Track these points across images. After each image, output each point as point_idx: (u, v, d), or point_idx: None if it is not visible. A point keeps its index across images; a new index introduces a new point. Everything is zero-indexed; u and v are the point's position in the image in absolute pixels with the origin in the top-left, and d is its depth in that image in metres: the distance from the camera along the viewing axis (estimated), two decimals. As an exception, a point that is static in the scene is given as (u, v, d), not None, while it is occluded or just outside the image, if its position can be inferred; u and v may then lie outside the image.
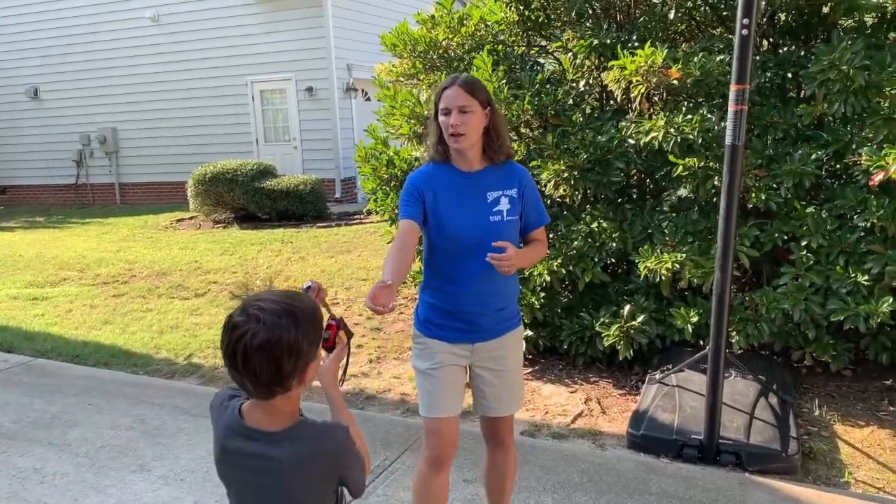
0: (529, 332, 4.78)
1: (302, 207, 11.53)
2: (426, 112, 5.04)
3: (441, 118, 2.43)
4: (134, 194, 15.99)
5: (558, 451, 3.68)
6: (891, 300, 3.79)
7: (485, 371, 2.57)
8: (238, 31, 14.02)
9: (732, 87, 3.19)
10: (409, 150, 5.40)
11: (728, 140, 3.24)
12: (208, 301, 6.89)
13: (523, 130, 5.00)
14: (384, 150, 5.42)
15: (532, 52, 5.62)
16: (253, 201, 11.59)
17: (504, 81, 4.75)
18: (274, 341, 1.39)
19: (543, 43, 5.60)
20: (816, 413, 4.01)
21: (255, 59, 13.97)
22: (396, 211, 5.30)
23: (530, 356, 4.87)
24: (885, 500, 3.20)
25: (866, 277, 3.88)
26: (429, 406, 2.49)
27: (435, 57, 5.29)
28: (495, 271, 2.29)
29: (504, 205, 2.47)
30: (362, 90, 13.81)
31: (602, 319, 4.42)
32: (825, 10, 4.62)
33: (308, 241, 9.73)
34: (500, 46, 5.34)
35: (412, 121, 5.12)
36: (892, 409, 4.06)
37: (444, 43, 5.30)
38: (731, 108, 3.21)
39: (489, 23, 5.32)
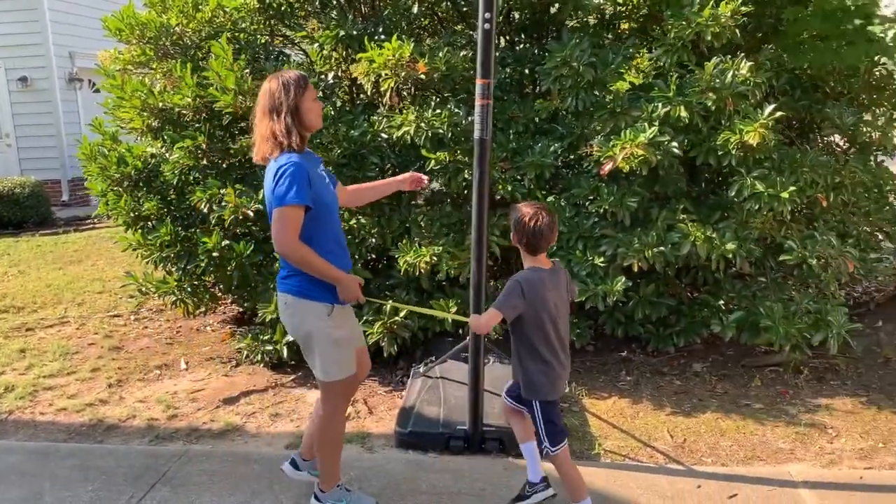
0: (290, 337, 4.54)
1: (20, 213, 10.11)
2: (160, 104, 4.57)
3: (314, 104, 2.75)
4: None
5: (326, 460, 3.51)
6: (623, 279, 4.13)
7: None
8: (-75, 8, 11.86)
9: (478, 82, 3.22)
10: (143, 147, 4.88)
11: (476, 134, 3.27)
12: None
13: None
14: (114, 146, 4.85)
15: (276, 41, 5.34)
16: (-43, 208, 9.91)
17: (248, 71, 4.44)
18: (552, 216, 2.74)
19: (288, 32, 5.36)
20: (567, 390, 4.26)
21: (-48, 43, 11.92)
22: (132, 215, 4.80)
23: (293, 362, 4.63)
24: (629, 466, 3.47)
25: (602, 259, 4.19)
26: (349, 367, 2.85)
27: (168, 44, 4.82)
28: None
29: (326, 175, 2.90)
30: (89, 80, 12.38)
31: (365, 317, 4.32)
32: (553, 9, 4.92)
33: (29, 251, 8.51)
34: (242, 35, 5.00)
35: (145, 113, 4.63)
36: (629, 378, 4.45)
37: (177, 29, 4.84)
38: (477, 102, 3.23)
39: (227, 9, 4.94)
